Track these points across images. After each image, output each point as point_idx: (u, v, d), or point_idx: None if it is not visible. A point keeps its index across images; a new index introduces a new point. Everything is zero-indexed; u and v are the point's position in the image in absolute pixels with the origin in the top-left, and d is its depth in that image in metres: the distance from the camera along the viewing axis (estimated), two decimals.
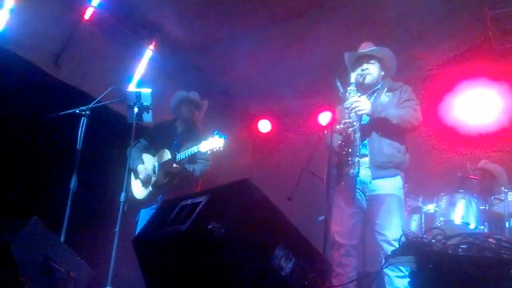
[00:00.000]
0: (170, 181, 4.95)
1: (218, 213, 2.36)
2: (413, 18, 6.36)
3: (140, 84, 6.06)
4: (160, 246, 2.66)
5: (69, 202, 4.15)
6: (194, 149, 4.73)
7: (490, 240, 2.09)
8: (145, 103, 4.35)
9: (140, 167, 5.05)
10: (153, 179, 5.03)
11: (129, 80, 5.95)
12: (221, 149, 4.60)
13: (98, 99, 4.48)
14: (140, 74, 6.21)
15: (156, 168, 5.02)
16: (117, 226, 4.04)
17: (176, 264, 2.58)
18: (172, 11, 6.00)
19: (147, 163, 5.10)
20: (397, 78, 7.31)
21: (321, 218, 4.83)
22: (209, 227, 2.24)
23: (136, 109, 4.33)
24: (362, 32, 5.76)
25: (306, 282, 2.41)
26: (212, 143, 4.59)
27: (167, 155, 4.98)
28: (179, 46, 6.77)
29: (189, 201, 2.66)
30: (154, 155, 5.15)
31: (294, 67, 7.01)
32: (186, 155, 4.81)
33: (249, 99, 8.46)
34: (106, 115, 4.81)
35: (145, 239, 2.82)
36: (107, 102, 4.56)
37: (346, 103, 3.92)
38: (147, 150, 5.21)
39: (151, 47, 6.33)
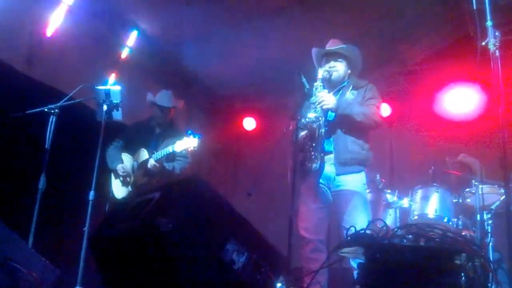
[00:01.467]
0: (149, 181, 4.93)
1: (168, 209, 2.35)
2: (394, 14, 6.36)
3: (117, 82, 6.02)
4: (114, 243, 2.63)
5: (37, 202, 4.12)
6: (169, 149, 4.74)
7: (436, 230, 2.07)
8: (114, 101, 4.33)
9: (119, 167, 5.03)
10: (132, 179, 5.01)
11: (105, 78, 5.89)
12: (195, 148, 4.60)
13: (68, 97, 4.45)
14: (117, 72, 6.13)
15: (134, 168, 5.00)
16: (86, 225, 4.01)
17: (129, 261, 2.55)
18: (148, 7, 5.97)
19: (126, 163, 5.08)
20: (378, 74, 7.35)
21: None
22: (156, 222, 2.22)
23: (105, 107, 4.31)
24: (344, 29, 5.74)
25: (258, 276, 2.39)
26: (186, 143, 4.60)
27: (144, 154, 4.97)
28: (158, 42, 6.74)
29: (144, 198, 2.64)
30: (132, 155, 5.12)
31: (277, 63, 6.99)
32: (162, 155, 4.81)
33: (234, 96, 8.43)
34: (78, 112, 4.75)
35: (100, 236, 2.79)
36: (76, 101, 4.52)
37: (312, 98, 3.91)
38: (125, 149, 5.18)
39: (128, 44, 6.26)
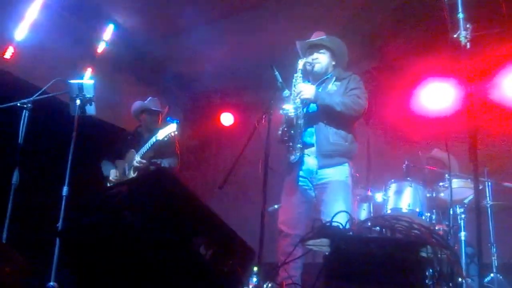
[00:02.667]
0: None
1: (134, 202, 2.34)
2: (371, 9, 6.39)
3: (93, 76, 5.97)
4: (81, 236, 2.61)
5: (11, 198, 4.08)
6: (152, 139, 4.78)
7: (402, 222, 2.08)
8: (87, 95, 4.29)
9: (112, 172, 5.09)
10: (124, 180, 5.03)
11: (81, 72, 5.84)
12: (176, 133, 4.67)
13: (41, 91, 4.40)
14: (93, 66, 6.08)
15: (126, 169, 5.05)
16: (60, 221, 3.97)
17: (97, 254, 2.53)
18: (127, 1, 5.92)
19: (119, 168, 5.13)
20: (356, 70, 7.37)
21: (272, 208, 4.85)
22: (122, 215, 2.21)
23: (78, 101, 4.26)
24: (321, 24, 5.73)
25: (226, 269, 2.39)
26: (167, 130, 4.66)
27: (133, 154, 5.02)
28: (135, 38, 6.69)
29: (112, 191, 2.63)
30: (124, 159, 5.18)
31: (255, 59, 6.97)
32: (147, 148, 4.85)
33: (211, 92, 8.41)
34: (51, 107, 4.70)
35: (68, 230, 2.77)
36: (49, 95, 4.46)
37: (285, 92, 3.90)
38: (118, 159, 5.22)
39: (105, 38, 6.20)
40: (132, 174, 4.98)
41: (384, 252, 1.94)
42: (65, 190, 4.08)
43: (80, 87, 4.27)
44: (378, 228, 2.07)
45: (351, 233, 2.09)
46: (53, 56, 5.70)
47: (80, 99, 4.27)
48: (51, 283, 3.83)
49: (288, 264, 3.68)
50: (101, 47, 6.21)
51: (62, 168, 4.19)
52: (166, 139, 4.69)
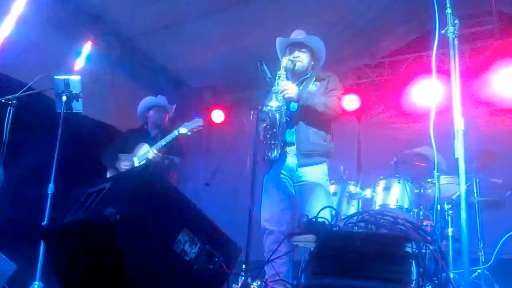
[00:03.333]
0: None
1: (117, 199, 2.31)
2: (364, 6, 6.38)
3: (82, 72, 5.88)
4: (64, 235, 2.57)
5: None
6: (174, 132, 4.75)
7: (387, 218, 2.07)
8: (74, 91, 4.23)
9: (118, 165, 5.02)
10: None
11: (69, 68, 5.77)
12: (201, 127, 4.73)
13: (26, 87, 4.33)
14: (81, 63, 6.00)
15: (135, 163, 4.99)
16: (46, 219, 3.93)
17: (79, 252, 2.49)
18: None
19: (125, 161, 5.06)
20: (347, 66, 7.37)
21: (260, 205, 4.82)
22: (103, 213, 2.17)
23: (64, 98, 4.20)
24: (313, 19, 5.73)
25: (211, 266, 2.37)
26: (192, 124, 4.70)
27: (146, 147, 4.98)
28: (125, 33, 6.62)
29: (95, 189, 2.58)
30: (130, 153, 5.11)
31: (246, 55, 6.93)
32: (166, 142, 4.82)
33: (203, 88, 8.37)
34: (37, 103, 4.64)
35: (51, 228, 2.73)
36: (34, 91, 4.39)
37: (274, 88, 3.89)
38: (121, 152, 5.16)
39: (95, 33, 6.14)
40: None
41: (369, 247, 1.93)
42: (50, 188, 4.04)
43: (67, 83, 4.21)
44: (363, 223, 2.06)
45: (336, 228, 2.08)
46: (39, 51, 5.60)
47: (66, 95, 4.20)
48: (37, 283, 3.79)
49: (275, 261, 3.68)
50: (89, 42, 6.12)
51: (47, 166, 4.15)
52: (189, 133, 4.71)
